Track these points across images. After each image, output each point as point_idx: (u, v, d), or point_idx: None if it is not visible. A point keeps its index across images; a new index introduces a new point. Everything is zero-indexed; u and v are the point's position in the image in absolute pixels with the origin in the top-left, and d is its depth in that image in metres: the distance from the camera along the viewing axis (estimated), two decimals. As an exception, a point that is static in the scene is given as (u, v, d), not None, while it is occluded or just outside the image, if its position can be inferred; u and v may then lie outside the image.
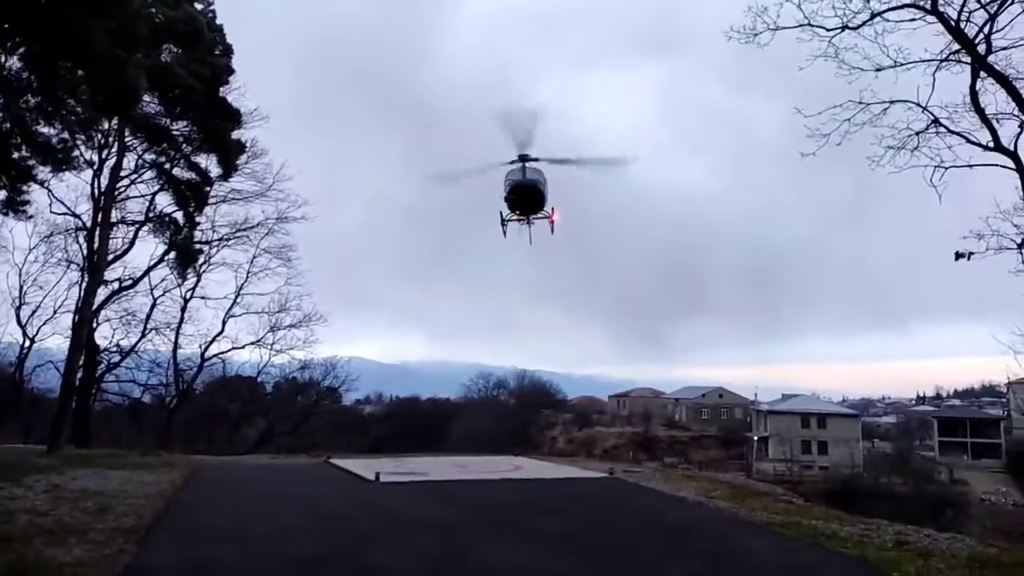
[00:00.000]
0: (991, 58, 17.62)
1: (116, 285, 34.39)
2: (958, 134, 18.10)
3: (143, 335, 37.71)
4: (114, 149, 29.39)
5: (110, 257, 30.99)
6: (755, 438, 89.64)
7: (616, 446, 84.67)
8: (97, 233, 28.77)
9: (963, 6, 17.61)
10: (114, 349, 36.92)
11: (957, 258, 17.92)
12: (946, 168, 18.30)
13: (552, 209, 19.57)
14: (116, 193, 30.09)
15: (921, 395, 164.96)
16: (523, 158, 18.88)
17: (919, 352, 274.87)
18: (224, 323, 40.62)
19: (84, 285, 30.12)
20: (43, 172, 25.26)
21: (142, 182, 31.93)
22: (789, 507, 14.93)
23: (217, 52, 29.41)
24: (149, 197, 32.63)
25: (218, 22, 30.00)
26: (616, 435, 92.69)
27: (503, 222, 19.43)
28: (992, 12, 17.36)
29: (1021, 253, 18.20)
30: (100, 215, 29.00)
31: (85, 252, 31.09)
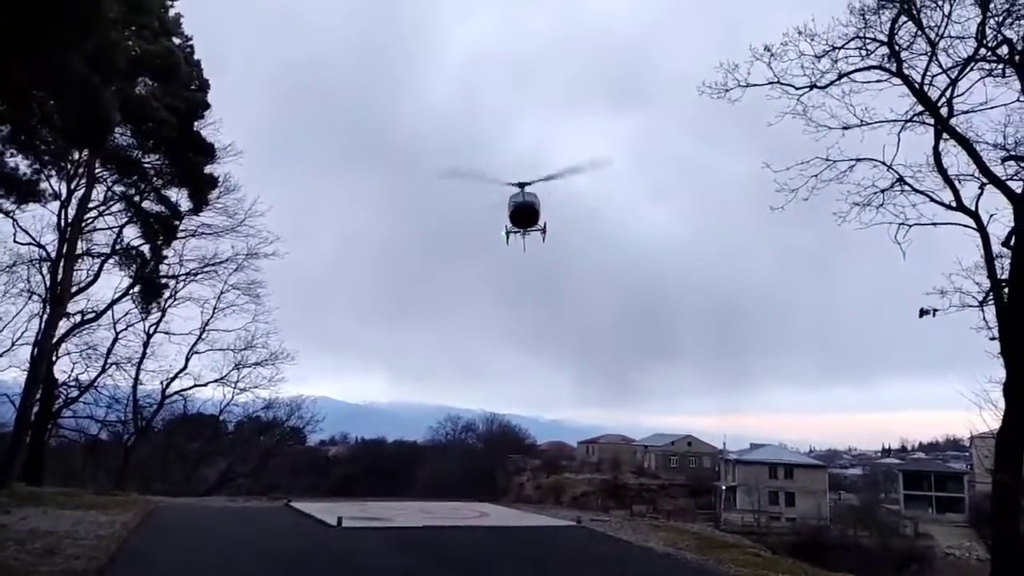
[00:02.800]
0: (953, 121, 18.28)
1: (78, 318, 33.51)
2: (922, 193, 18.68)
3: (103, 370, 36.56)
4: (83, 180, 28.98)
5: (74, 289, 30.30)
6: (723, 487, 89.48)
7: (585, 493, 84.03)
8: (62, 265, 28.22)
9: (926, 70, 18.32)
10: (73, 383, 35.80)
11: (922, 315, 18.29)
12: (910, 226, 18.82)
13: (544, 223, 24.16)
14: (83, 224, 29.59)
15: (887, 447, 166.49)
16: (521, 184, 23.66)
17: (885, 405, 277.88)
18: (187, 359, 39.54)
19: (45, 317, 29.40)
20: (7, 203, 24.90)
21: (110, 214, 31.36)
22: (756, 559, 14.81)
23: (193, 87, 29.41)
24: (116, 229, 32.03)
25: (196, 57, 30.12)
26: (585, 482, 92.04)
27: (507, 233, 23.94)
28: (953, 77, 18.10)
29: (982, 310, 18.63)
30: (65, 247, 28.46)
31: (48, 283, 30.36)
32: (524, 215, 23.68)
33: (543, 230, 23.99)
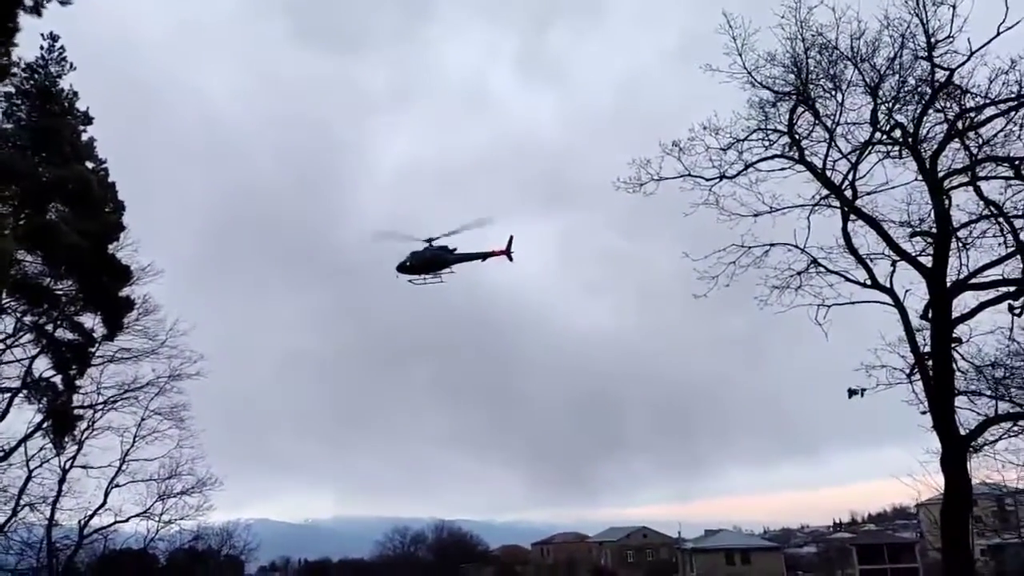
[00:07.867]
0: (859, 202, 18.94)
1: (-14, 460, 31.24)
2: (837, 273, 19.08)
3: (14, 513, 33.72)
4: (-11, 312, 27.58)
5: (-21, 428, 28.37)
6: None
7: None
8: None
9: (827, 156, 19.11)
10: (-21, 533, 32.90)
11: (851, 395, 18.33)
12: (828, 306, 19.15)
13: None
14: (-10, 359, 28.02)
15: (838, 521, 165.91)
16: (428, 240, 35.67)
17: (832, 479, 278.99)
18: (107, 494, 36.89)
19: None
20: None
21: (18, 346, 29.77)
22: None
23: (108, 209, 28.71)
24: (27, 361, 30.31)
25: (111, 180, 29.56)
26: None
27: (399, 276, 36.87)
28: (853, 161, 18.88)
29: (911, 382, 18.84)
30: (-31, 384, 26.76)
31: (-49, 427, 28.30)
32: (411, 270, 36.26)
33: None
